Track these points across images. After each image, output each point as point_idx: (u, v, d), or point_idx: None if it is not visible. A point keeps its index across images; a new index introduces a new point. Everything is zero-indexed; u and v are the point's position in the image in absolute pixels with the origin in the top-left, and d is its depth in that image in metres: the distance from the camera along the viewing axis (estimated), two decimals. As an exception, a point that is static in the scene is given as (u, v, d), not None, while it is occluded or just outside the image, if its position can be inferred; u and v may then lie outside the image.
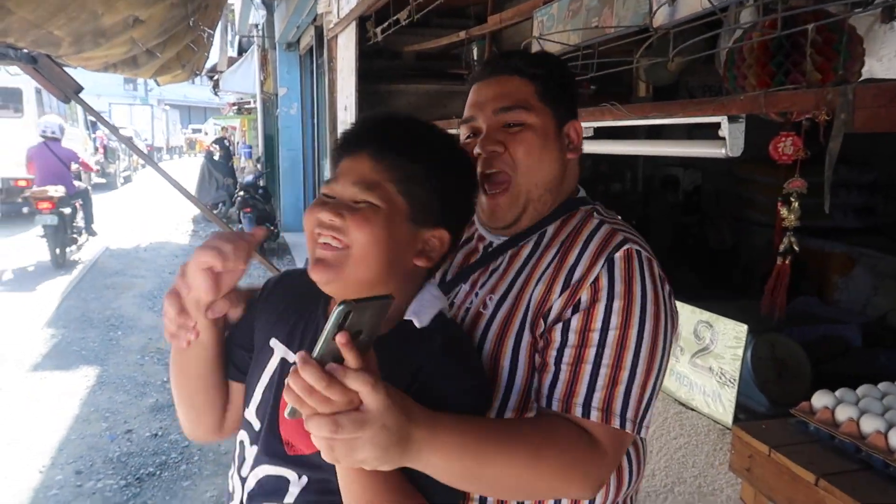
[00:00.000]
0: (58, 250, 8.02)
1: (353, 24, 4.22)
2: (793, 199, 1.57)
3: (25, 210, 10.40)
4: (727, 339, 1.80)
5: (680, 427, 1.83)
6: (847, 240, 3.74)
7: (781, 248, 1.62)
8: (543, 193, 1.08)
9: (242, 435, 1.00)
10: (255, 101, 14.21)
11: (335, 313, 0.69)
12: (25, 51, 2.30)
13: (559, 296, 0.98)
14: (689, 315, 1.89)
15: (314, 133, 9.80)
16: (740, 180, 4.84)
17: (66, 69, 2.69)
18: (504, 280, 1.06)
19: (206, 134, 29.79)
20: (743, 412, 1.85)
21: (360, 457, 0.72)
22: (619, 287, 0.95)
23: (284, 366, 0.97)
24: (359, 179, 0.90)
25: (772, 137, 1.65)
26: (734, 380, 1.75)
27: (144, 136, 28.62)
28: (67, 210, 8.24)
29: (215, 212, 10.05)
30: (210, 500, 3.26)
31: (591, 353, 0.93)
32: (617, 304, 0.94)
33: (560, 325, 0.96)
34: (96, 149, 17.69)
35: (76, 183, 9.08)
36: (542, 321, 0.98)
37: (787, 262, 1.62)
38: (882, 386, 1.53)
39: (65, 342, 5.54)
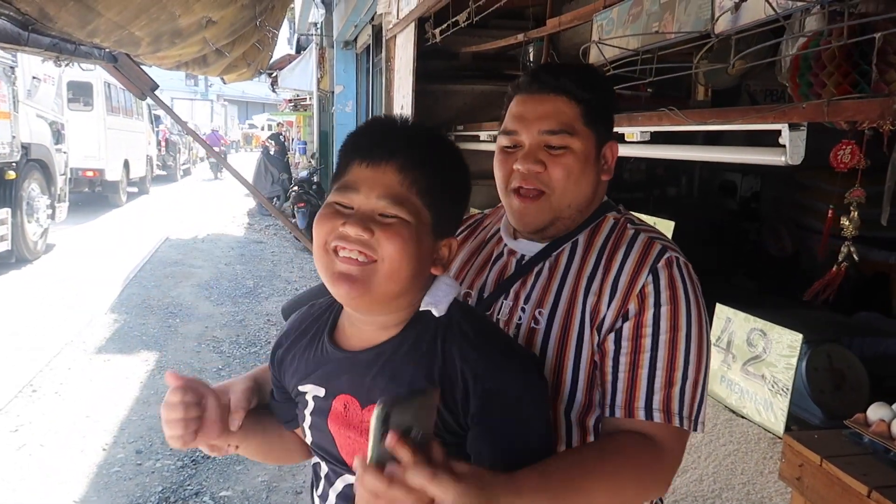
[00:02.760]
0: None
1: (413, 25, 4.29)
2: (853, 209, 1.55)
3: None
4: (781, 347, 1.78)
5: (730, 434, 1.83)
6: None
7: (840, 257, 1.60)
8: (574, 212, 1.10)
9: (315, 458, 1.05)
10: (311, 98, 14.48)
11: (374, 416, 0.70)
12: (108, 50, 2.43)
13: (608, 306, 1.02)
14: (742, 323, 1.88)
15: (368, 131, 9.91)
16: (802, 187, 4.72)
17: (142, 67, 2.84)
18: (549, 292, 1.07)
19: (262, 129, 30.51)
20: (796, 423, 1.84)
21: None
22: (664, 294, 1.00)
23: (318, 403, 0.98)
24: (386, 193, 0.88)
25: (834, 145, 1.63)
26: (787, 389, 1.74)
27: (204, 130, 29.45)
28: None
29: (270, 206, 10.29)
30: (262, 484, 3.37)
31: (645, 358, 0.97)
32: (665, 310, 0.99)
33: (612, 335, 1.01)
34: (159, 142, 18.34)
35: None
36: (595, 332, 1.02)
37: (842, 268, 1.61)
38: (942, 401, 1.50)
39: (126, 327, 5.78)
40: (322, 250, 0.89)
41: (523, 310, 1.08)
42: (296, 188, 10.33)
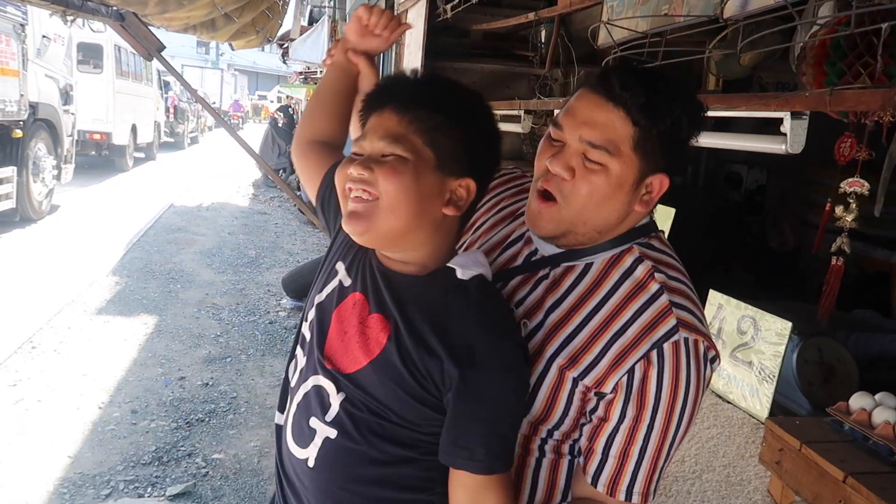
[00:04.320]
0: None
1: (424, 0, 4.26)
2: (851, 200, 1.55)
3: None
4: (770, 335, 1.80)
5: (714, 418, 1.85)
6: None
7: (833, 248, 1.61)
8: (590, 231, 1.02)
9: (297, 349, 1.06)
10: (321, 71, 14.40)
11: None
12: (115, 8, 2.43)
13: (598, 358, 0.97)
14: (733, 310, 1.90)
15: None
16: (807, 182, 4.71)
17: (150, 28, 2.83)
18: (541, 308, 1.03)
19: (272, 101, 30.44)
20: (783, 413, 1.86)
21: None
22: (666, 381, 0.95)
23: (341, 290, 1.03)
24: (385, 134, 0.93)
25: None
26: (773, 376, 1.76)
27: (213, 99, 29.35)
28: None
29: (276, 177, 10.29)
30: (254, 449, 3.42)
31: (635, 449, 0.96)
32: (664, 398, 0.95)
33: (604, 408, 0.98)
34: (167, 109, 18.28)
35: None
36: (574, 370, 0.98)
37: (839, 262, 1.61)
38: (925, 394, 1.52)
39: (127, 290, 5.82)
40: (341, 195, 0.97)
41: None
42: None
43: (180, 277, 6.34)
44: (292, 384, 1.04)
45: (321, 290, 1.05)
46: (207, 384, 4.13)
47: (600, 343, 0.97)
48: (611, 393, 0.96)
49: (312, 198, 1.25)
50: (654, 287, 0.99)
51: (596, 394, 0.98)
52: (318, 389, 0.97)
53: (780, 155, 1.68)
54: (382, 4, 7.86)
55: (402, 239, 0.96)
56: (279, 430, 1.06)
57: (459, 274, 0.96)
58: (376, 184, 0.91)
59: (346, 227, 0.95)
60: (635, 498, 0.97)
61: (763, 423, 1.71)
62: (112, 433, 3.45)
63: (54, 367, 4.19)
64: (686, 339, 0.95)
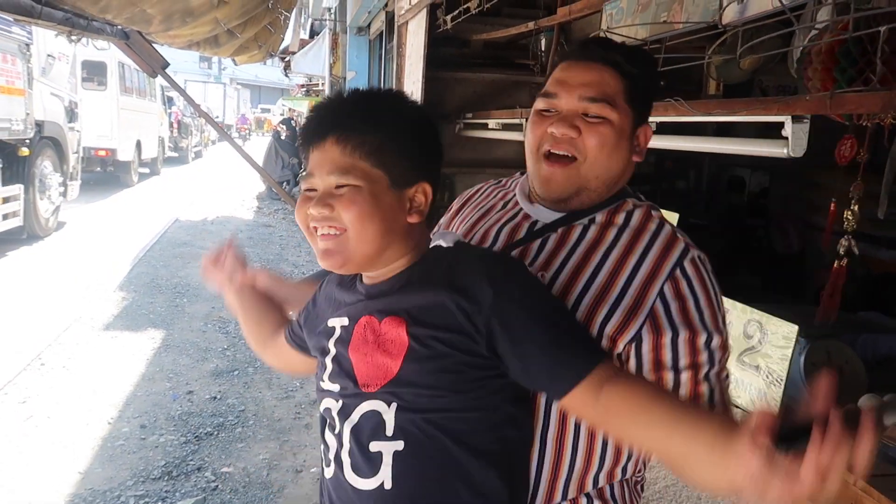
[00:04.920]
0: None
1: (424, 11, 4.29)
2: (853, 202, 1.56)
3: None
4: (777, 338, 1.80)
5: (723, 422, 1.84)
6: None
7: (841, 250, 1.61)
8: (600, 186, 1.08)
9: (326, 403, 1.05)
10: (323, 84, 14.49)
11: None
12: (120, 27, 2.46)
13: (619, 299, 1.00)
14: (739, 314, 1.90)
15: (379, 117, 9.92)
16: (812, 185, 4.70)
17: (154, 46, 2.86)
18: (556, 258, 1.06)
19: (275, 115, 30.56)
20: (790, 415, 1.85)
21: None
22: (701, 295, 1.00)
23: (344, 331, 1.04)
24: (333, 168, 0.95)
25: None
26: (781, 379, 1.76)
27: (216, 113, 29.50)
28: None
29: (280, 190, 10.34)
30: (262, 462, 3.42)
31: (704, 388, 0.98)
32: (705, 309, 0.99)
33: (649, 338, 0.99)
34: (171, 124, 18.40)
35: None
36: (597, 316, 1.00)
37: (843, 264, 1.61)
38: (934, 395, 1.51)
39: (134, 305, 5.85)
40: (308, 233, 1.00)
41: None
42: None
43: (187, 291, 6.36)
44: (335, 432, 1.02)
45: (328, 350, 1.06)
46: (215, 398, 4.14)
47: (617, 286, 1.01)
48: (645, 323, 0.98)
49: (310, 365, 1.20)
50: (654, 224, 1.07)
51: (624, 338, 0.99)
52: (367, 416, 0.97)
53: (783, 158, 1.68)
54: (383, 18, 7.91)
55: (378, 258, 0.99)
56: (330, 482, 1.04)
57: (444, 243, 1.01)
58: (339, 218, 0.94)
59: (322, 264, 0.99)
60: (717, 407, 0.98)
61: (772, 427, 1.70)
62: (121, 448, 3.46)
63: (63, 383, 4.21)
64: (699, 256, 1.03)
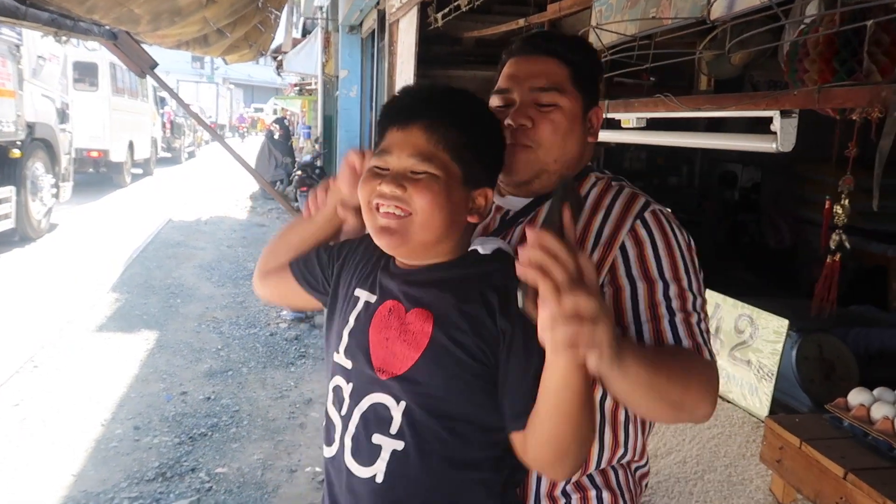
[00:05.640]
0: None
1: (415, 9, 4.28)
2: (843, 197, 1.56)
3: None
4: (767, 333, 1.80)
5: (715, 418, 1.85)
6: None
7: (833, 245, 1.61)
8: (560, 168, 1.14)
9: (337, 380, 1.06)
10: (315, 83, 14.46)
11: (559, 190, 0.78)
12: (107, 27, 2.44)
13: (593, 248, 1.06)
14: (730, 309, 1.90)
15: (372, 115, 9.90)
16: (802, 179, 4.71)
17: (143, 46, 2.84)
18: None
19: (267, 114, 30.48)
20: (784, 411, 1.86)
21: (598, 339, 0.77)
22: (657, 235, 1.05)
23: (367, 307, 1.05)
24: (414, 151, 0.97)
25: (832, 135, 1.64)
26: (772, 374, 1.76)
27: (209, 113, 29.42)
28: None
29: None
30: (257, 462, 3.41)
31: (663, 309, 1.01)
32: (664, 258, 1.03)
33: (609, 285, 1.03)
34: (164, 124, 18.33)
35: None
36: None
37: (836, 259, 1.62)
38: (923, 388, 1.52)
39: (128, 306, 5.82)
40: (367, 209, 1.00)
41: None
42: (299, 172, 10.34)
43: (180, 292, 6.34)
44: (342, 412, 1.03)
45: (347, 321, 1.06)
46: (209, 398, 4.13)
47: (587, 249, 1.06)
48: (607, 274, 1.04)
49: (306, 301, 1.22)
50: (615, 187, 1.13)
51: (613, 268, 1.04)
52: (377, 407, 0.98)
53: (774, 153, 1.69)
54: (375, 16, 7.89)
55: (432, 248, 1.01)
56: (330, 461, 1.06)
57: (481, 250, 1.02)
58: (410, 201, 0.96)
59: (378, 241, 1.00)
60: (686, 344, 0.99)
61: (763, 422, 1.71)
62: (115, 450, 3.45)
63: (56, 385, 4.19)
64: (661, 209, 1.09)
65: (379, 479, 0.97)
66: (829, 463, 1.35)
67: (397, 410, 0.97)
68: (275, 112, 22.37)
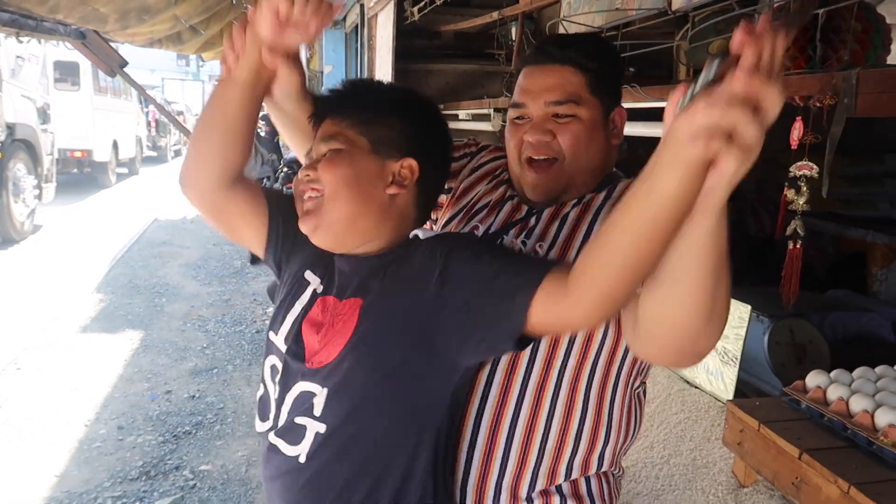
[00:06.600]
0: None
1: (392, 3, 4.29)
2: (801, 183, 1.59)
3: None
4: (732, 318, 1.83)
5: (682, 403, 1.88)
6: (890, 230, 3.67)
7: (788, 232, 1.64)
8: (586, 178, 1.13)
9: (272, 360, 1.09)
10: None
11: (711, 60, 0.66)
12: (75, 27, 2.43)
13: None
14: (696, 295, 1.93)
15: (357, 111, 9.87)
16: (783, 167, 4.74)
17: (114, 45, 2.83)
18: (550, 230, 1.11)
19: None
20: (757, 395, 1.88)
21: (756, 141, 0.65)
22: None
23: (314, 297, 1.06)
24: (323, 135, 1.02)
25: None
26: (736, 359, 1.79)
27: (196, 111, 29.22)
28: None
29: (259, 186, 10.27)
30: (241, 458, 3.42)
31: None
32: None
33: None
34: (148, 123, 18.21)
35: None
36: None
37: (797, 246, 1.64)
38: (879, 369, 1.55)
39: (112, 307, 5.81)
40: (297, 201, 1.03)
41: (524, 243, 1.12)
42: (285, 169, 10.30)
43: (165, 291, 6.32)
44: (275, 394, 1.06)
45: (293, 306, 1.07)
46: (194, 396, 4.13)
47: None
48: None
49: (257, 248, 1.15)
50: None
51: None
52: (304, 393, 1.00)
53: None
54: (359, 10, 7.86)
55: (352, 227, 1.00)
56: (263, 436, 1.08)
57: (421, 235, 1.03)
58: (320, 179, 0.98)
59: (301, 228, 1.01)
60: None
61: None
62: (98, 450, 3.45)
63: (39, 387, 4.18)
64: None
65: (302, 460, 0.99)
66: (785, 444, 1.38)
67: (321, 396, 0.98)
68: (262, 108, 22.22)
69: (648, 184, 0.72)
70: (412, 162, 1.02)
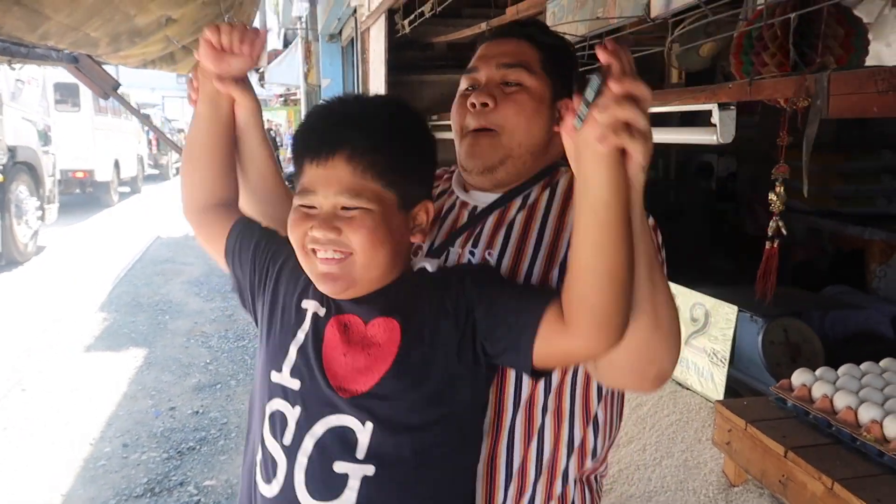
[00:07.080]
0: None
1: (383, 17, 4.33)
2: (777, 185, 1.61)
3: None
4: (720, 320, 1.85)
5: (673, 405, 1.90)
6: (888, 227, 3.67)
7: (770, 231, 1.66)
8: (524, 154, 1.10)
9: (277, 404, 0.95)
10: (299, 93, 14.48)
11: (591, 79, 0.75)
12: (67, 52, 2.47)
13: (570, 241, 1.01)
14: (684, 298, 1.95)
15: (355, 123, 9.91)
16: (773, 166, 4.75)
17: (107, 67, 2.87)
18: (498, 235, 1.07)
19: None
20: (752, 395, 1.90)
21: (645, 127, 0.75)
22: None
23: (317, 320, 0.96)
24: (342, 189, 0.88)
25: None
26: (725, 359, 1.81)
27: (196, 128, 29.33)
28: None
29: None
30: (245, 473, 3.44)
31: None
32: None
33: None
34: (149, 141, 18.32)
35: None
36: (555, 267, 1.02)
37: (775, 245, 1.66)
38: (864, 366, 1.57)
39: (116, 325, 5.84)
40: (301, 252, 0.93)
41: (472, 252, 1.07)
42: (287, 184, 10.36)
43: (169, 308, 6.36)
44: (286, 442, 0.92)
45: (295, 336, 0.96)
46: (198, 412, 4.15)
47: (563, 243, 1.03)
48: None
49: (219, 259, 1.15)
50: None
51: None
52: (336, 431, 0.89)
53: (749, 141, 1.74)
54: (354, 24, 7.92)
55: (380, 282, 0.94)
56: (272, 501, 0.92)
57: (430, 268, 1.00)
58: (347, 242, 0.88)
59: (321, 288, 0.92)
60: None
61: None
62: (104, 468, 3.47)
63: (45, 407, 4.21)
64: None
65: None
66: (771, 442, 1.39)
67: (364, 432, 0.88)
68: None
69: (585, 199, 0.80)
70: (429, 205, 0.99)
